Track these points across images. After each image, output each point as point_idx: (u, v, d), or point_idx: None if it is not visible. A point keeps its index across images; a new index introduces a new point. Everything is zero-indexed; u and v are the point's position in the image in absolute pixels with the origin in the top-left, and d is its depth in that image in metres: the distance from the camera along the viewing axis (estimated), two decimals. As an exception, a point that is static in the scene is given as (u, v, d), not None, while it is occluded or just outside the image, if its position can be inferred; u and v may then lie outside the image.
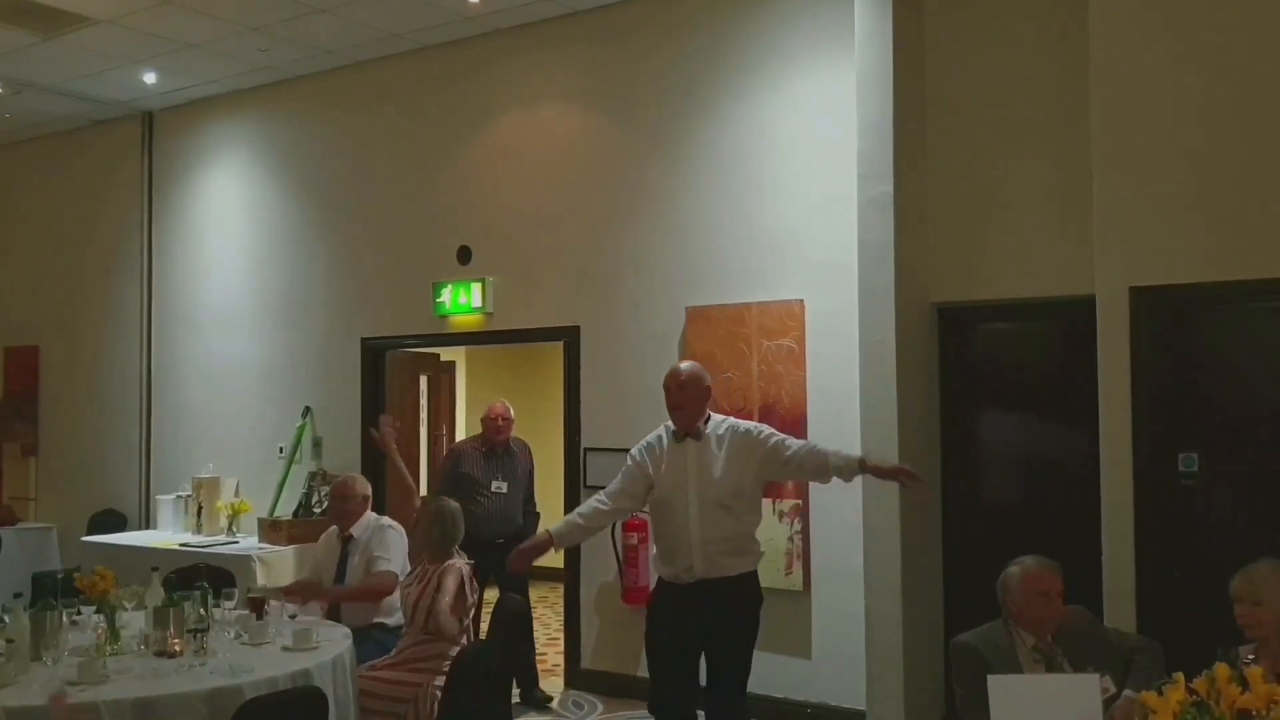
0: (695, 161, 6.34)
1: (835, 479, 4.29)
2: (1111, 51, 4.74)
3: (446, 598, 4.51)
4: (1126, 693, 3.27)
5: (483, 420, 6.59)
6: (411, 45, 7.37)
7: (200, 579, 4.77)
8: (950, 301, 5.56)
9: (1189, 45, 4.58)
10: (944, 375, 5.64)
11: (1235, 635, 3.41)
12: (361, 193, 7.79)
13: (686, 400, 4.33)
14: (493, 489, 6.33)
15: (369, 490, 5.47)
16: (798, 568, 5.81)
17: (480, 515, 6.05)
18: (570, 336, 6.77)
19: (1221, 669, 2.48)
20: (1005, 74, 5.40)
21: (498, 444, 6.45)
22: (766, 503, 5.80)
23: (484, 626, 5.08)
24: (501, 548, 5.58)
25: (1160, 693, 2.50)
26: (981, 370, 5.61)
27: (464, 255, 7.22)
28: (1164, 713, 2.46)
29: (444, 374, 9.06)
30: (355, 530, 5.28)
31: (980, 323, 5.61)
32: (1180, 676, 2.54)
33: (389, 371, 7.72)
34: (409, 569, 5.00)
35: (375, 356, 7.69)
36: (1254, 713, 2.38)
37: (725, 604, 4.21)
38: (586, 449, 6.60)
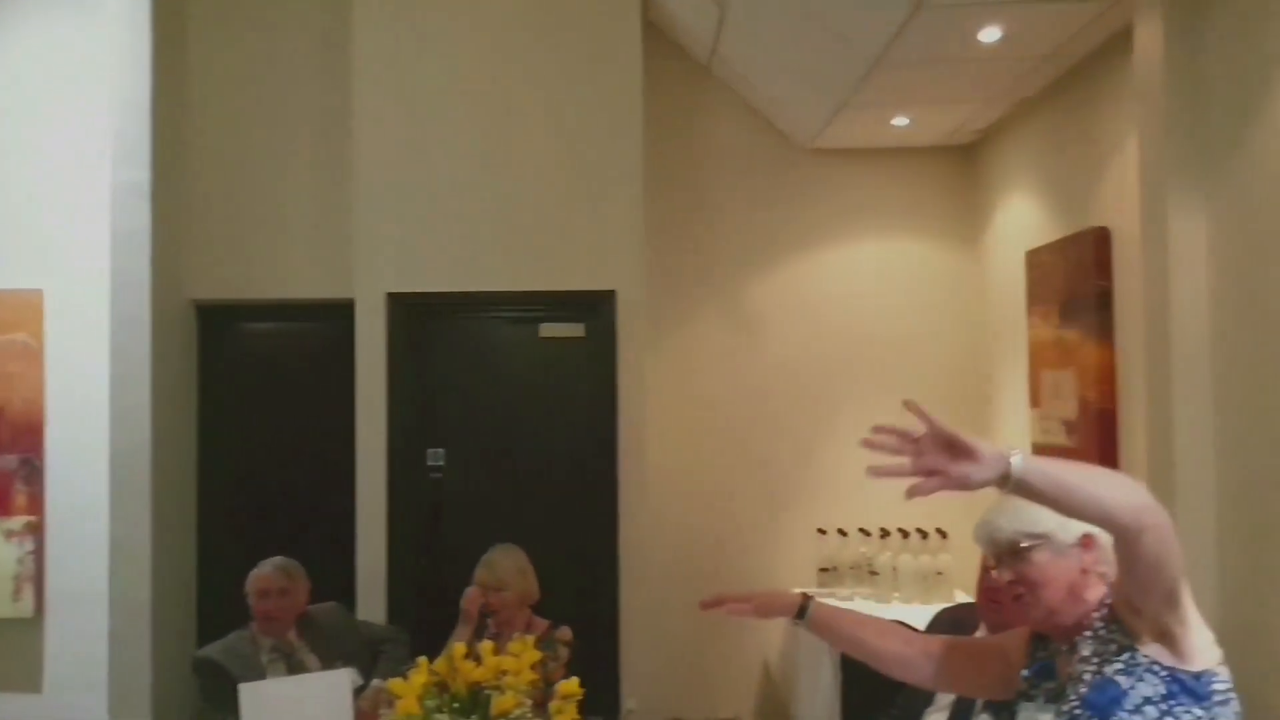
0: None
1: None
2: (373, 65, 4.96)
3: None
4: (375, 681, 3.40)
5: None
6: None
7: None
8: (211, 299, 5.37)
9: (447, 59, 4.98)
10: (203, 374, 5.45)
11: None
12: None
13: None
14: None
15: None
16: (28, 591, 5.15)
17: None
18: None
19: (458, 648, 2.69)
20: (271, 70, 5.33)
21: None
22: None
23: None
24: None
25: (405, 678, 2.65)
26: (243, 370, 5.50)
27: None
28: (409, 696, 2.60)
29: None
30: None
31: (242, 321, 5.50)
32: (424, 660, 2.70)
33: None
34: None
35: None
36: (484, 684, 2.63)
37: None
38: None
